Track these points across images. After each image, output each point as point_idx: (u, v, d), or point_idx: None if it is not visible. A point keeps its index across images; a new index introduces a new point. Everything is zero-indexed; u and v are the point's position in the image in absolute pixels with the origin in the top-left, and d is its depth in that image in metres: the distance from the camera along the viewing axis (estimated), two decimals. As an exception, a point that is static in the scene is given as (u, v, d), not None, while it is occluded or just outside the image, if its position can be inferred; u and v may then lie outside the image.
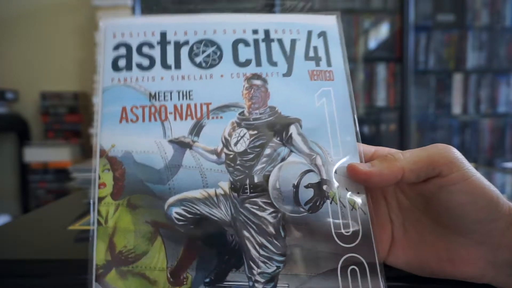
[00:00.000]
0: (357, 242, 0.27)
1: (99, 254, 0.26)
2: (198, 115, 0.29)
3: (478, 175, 0.26)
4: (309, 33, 0.33)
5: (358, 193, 0.29)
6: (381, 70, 2.03)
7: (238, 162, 0.29)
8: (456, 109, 2.07)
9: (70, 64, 2.03)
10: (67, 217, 0.46)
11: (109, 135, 0.29)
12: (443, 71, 2.08)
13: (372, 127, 2.06)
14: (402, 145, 1.92)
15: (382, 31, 2.04)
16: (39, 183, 1.89)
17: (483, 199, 0.26)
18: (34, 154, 1.86)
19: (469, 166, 0.27)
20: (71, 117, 1.96)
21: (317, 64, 0.32)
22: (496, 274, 0.26)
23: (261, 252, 0.27)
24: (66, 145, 1.90)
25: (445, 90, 2.07)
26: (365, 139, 0.30)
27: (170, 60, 0.31)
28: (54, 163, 1.87)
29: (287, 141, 0.30)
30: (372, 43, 2.05)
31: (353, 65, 2.04)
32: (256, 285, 0.26)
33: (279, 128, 0.30)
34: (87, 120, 1.96)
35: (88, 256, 0.26)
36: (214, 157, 0.29)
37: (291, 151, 0.29)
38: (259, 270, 0.26)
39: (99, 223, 0.27)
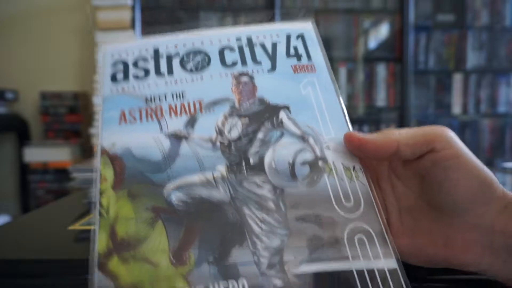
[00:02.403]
0: (360, 211, 0.28)
1: (101, 242, 0.26)
2: (192, 111, 0.32)
3: (472, 155, 0.27)
4: (288, 36, 0.36)
5: (354, 167, 0.29)
6: (381, 70, 2.03)
7: (233, 148, 0.30)
8: (456, 109, 2.08)
9: (70, 64, 2.03)
10: (67, 217, 0.46)
11: (110, 136, 0.31)
12: (443, 71, 2.08)
13: (372, 127, 2.06)
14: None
15: (382, 31, 2.04)
16: (39, 183, 1.89)
17: (477, 178, 0.26)
18: (34, 154, 1.86)
19: (464, 146, 0.27)
20: (71, 117, 1.96)
21: (299, 60, 0.35)
22: (492, 261, 0.26)
23: (264, 227, 0.27)
24: (66, 145, 1.91)
25: (445, 90, 2.07)
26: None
27: (163, 69, 0.34)
28: (54, 163, 1.87)
29: (278, 125, 0.31)
30: (372, 43, 2.06)
31: (353, 65, 2.04)
32: (262, 259, 0.26)
33: (270, 115, 0.31)
34: (87, 120, 1.96)
35: (89, 251, 0.26)
36: (210, 145, 0.30)
37: (283, 134, 0.31)
38: (263, 245, 0.26)
39: (100, 214, 0.27)
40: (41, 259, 0.33)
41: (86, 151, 1.96)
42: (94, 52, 1.78)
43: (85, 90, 2.00)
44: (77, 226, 0.42)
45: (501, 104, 2.08)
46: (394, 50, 2.02)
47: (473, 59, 2.06)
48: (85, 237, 0.39)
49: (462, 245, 0.27)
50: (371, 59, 2.05)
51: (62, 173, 1.86)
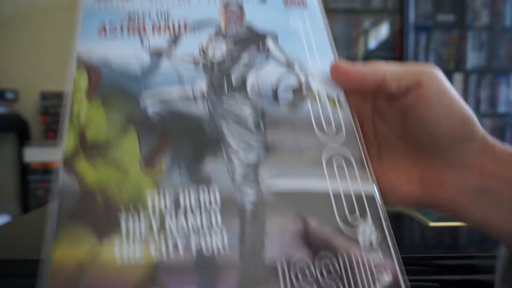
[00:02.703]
0: (340, 138, 0.28)
1: (68, 143, 0.25)
2: (176, 30, 0.31)
3: (456, 94, 0.27)
4: None
5: (338, 98, 0.29)
6: (381, 70, 2.03)
7: (216, 69, 0.30)
8: (456, 109, 2.07)
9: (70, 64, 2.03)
10: (67, 217, 0.46)
11: (87, 47, 0.30)
12: (443, 71, 2.05)
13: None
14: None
15: (382, 31, 2.04)
16: (39, 183, 1.89)
17: (460, 115, 0.26)
18: (34, 154, 1.86)
19: (450, 85, 0.27)
20: (71, 117, 1.96)
21: None
22: (464, 202, 0.26)
23: (241, 144, 0.27)
24: (66, 145, 1.90)
25: (445, 90, 2.07)
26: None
27: None
28: (54, 163, 1.87)
29: (264, 51, 0.31)
30: (372, 43, 2.06)
31: (353, 65, 2.04)
32: (236, 174, 0.25)
33: (256, 41, 0.31)
34: (87, 120, 1.96)
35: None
36: (192, 65, 0.30)
37: (269, 59, 0.31)
38: (239, 160, 0.26)
39: (70, 119, 0.27)
40: (41, 259, 0.33)
41: (86, 151, 1.96)
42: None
43: (85, 90, 2.00)
44: (77, 226, 0.42)
45: (501, 104, 2.08)
46: (394, 50, 2.02)
47: (473, 59, 2.06)
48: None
49: (437, 184, 0.27)
50: (371, 59, 2.05)
51: (62, 173, 1.85)
